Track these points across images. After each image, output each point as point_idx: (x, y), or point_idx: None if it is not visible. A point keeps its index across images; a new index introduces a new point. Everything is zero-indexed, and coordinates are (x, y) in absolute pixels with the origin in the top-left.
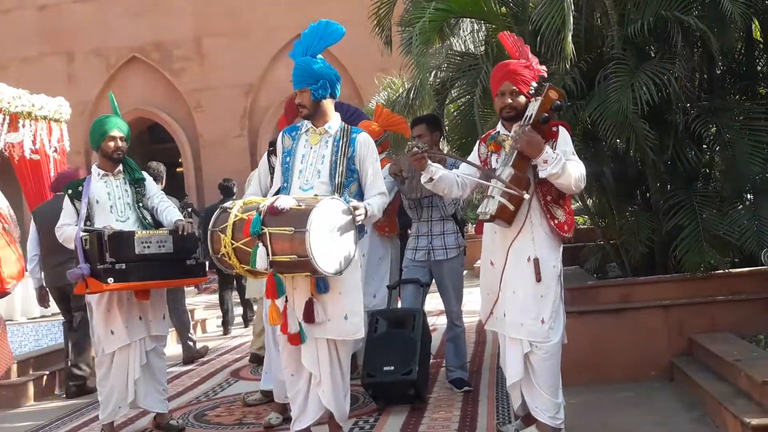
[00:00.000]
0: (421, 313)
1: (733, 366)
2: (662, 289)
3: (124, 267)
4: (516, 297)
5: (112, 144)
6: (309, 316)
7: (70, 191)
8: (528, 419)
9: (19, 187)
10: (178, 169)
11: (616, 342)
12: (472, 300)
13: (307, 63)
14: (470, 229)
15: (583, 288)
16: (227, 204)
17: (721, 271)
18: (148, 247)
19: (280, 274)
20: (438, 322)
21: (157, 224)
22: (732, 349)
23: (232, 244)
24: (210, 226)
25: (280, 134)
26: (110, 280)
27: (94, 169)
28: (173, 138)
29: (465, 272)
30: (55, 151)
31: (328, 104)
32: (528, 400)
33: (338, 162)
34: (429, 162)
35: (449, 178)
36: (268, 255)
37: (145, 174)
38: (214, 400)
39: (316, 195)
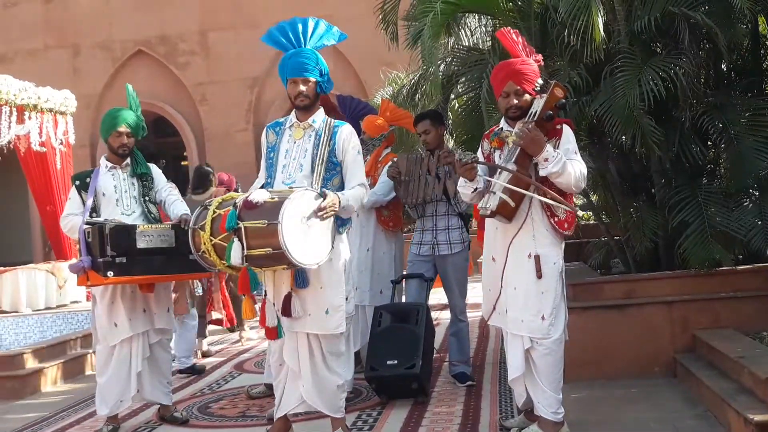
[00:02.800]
0: (424, 308)
1: (736, 363)
2: (666, 285)
3: (124, 260)
4: (517, 293)
5: (118, 140)
6: (286, 310)
7: (77, 182)
8: (531, 414)
9: (25, 179)
10: (183, 163)
11: (619, 338)
12: (476, 295)
13: (315, 54)
14: (474, 224)
15: (587, 284)
16: (207, 201)
17: (726, 267)
18: (150, 240)
19: (259, 269)
20: (441, 317)
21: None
22: (735, 345)
23: (211, 240)
24: (191, 224)
25: (265, 130)
26: (110, 273)
27: (103, 161)
28: (178, 131)
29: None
30: (61, 143)
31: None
32: (532, 396)
33: (319, 155)
34: (479, 173)
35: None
36: (243, 250)
37: (153, 166)
38: (218, 393)
39: (291, 187)
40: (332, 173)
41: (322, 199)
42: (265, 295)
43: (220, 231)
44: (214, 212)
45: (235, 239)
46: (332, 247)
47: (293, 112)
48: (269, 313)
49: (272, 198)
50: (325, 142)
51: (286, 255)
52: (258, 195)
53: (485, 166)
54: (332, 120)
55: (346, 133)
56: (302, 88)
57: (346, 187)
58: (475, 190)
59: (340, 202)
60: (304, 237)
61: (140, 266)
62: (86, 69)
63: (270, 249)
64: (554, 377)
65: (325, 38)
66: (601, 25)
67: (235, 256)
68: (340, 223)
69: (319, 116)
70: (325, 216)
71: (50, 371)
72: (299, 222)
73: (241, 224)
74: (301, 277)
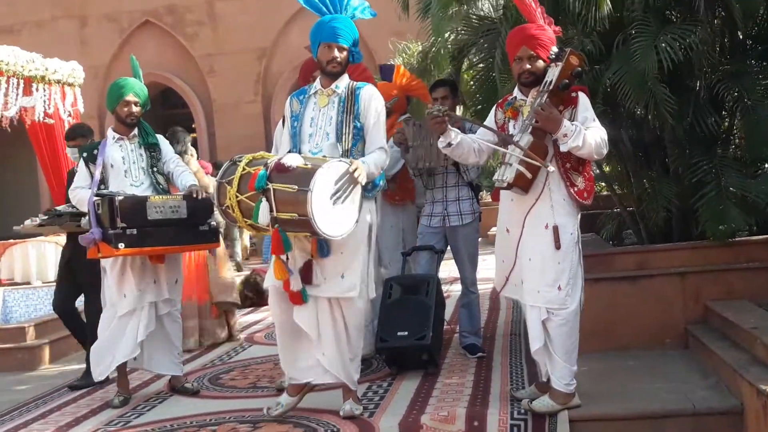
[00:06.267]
0: (435, 280)
1: (749, 334)
2: (678, 256)
3: (135, 232)
4: (533, 264)
5: (125, 109)
6: (307, 277)
7: (85, 154)
8: (542, 385)
9: (33, 151)
10: (191, 135)
11: (631, 309)
12: (487, 267)
13: (352, 23)
14: (485, 195)
15: (599, 255)
16: (237, 156)
17: (739, 238)
18: (161, 212)
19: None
20: (452, 289)
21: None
22: (748, 316)
23: (237, 196)
24: (218, 177)
25: (288, 99)
26: (121, 245)
27: (110, 132)
28: (186, 103)
29: (480, 239)
30: (69, 115)
31: None
32: (548, 367)
33: (345, 122)
34: (449, 126)
35: (467, 143)
36: (271, 211)
37: (160, 138)
38: (229, 364)
39: (325, 156)
40: (357, 139)
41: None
42: (287, 259)
43: (248, 189)
44: (244, 169)
45: (263, 199)
46: (358, 219)
47: (318, 80)
48: (293, 277)
49: (305, 164)
50: (349, 108)
51: (312, 224)
52: (291, 159)
53: (492, 131)
54: (354, 82)
55: (368, 93)
56: (336, 54)
57: (366, 150)
58: (449, 145)
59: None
60: (331, 208)
61: (151, 238)
62: (93, 40)
63: (296, 215)
64: (568, 348)
65: (359, 11)
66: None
67: (263, 215)
68: (371, 187)
69: (343, 82)
70: (354, 181)
71: (60, 343)
72: (329, 192)
73: (270, 185)
74: (324, 247)
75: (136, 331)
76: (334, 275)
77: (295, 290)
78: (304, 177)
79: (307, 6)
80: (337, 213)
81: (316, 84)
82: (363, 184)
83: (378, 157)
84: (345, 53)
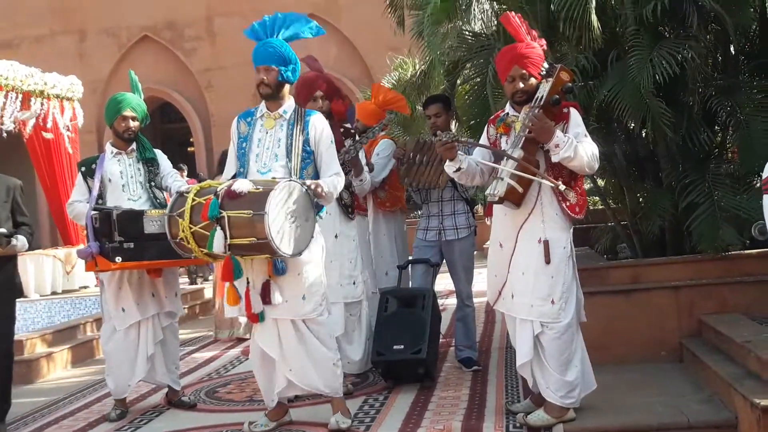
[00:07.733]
0: (431, 293)
1: (742, 347)
2: (672, 270)
3: (132, 246)
4: (525, 279)
5: (123, 124)
6: (266, 297)
7: (83, 168)
8: (539, 399)
9: (32, 164)
10: (189, 149)
11: (625, 323)
12: (483, 280)
13: (281, 44)
14: (480, 210)
15: (594, 269)
16: (183, 189)
17: (733, 252)
18: (158, 226)
19: (239, 257)
20: (447, 303)
21: None
22: (742, 330)
23: (190, 228)
24: (167, 211)
25: (235, 120)
26: (118, 258)
27: (108, 146)
28: (185, 118)
29: (475, 253)
30: (68, 129)
31: (287, 88)
32: (539, 380)
33: (294, 145)
34: (459, 152)
35: (473, 167)
36: (225, 238)
37: (158, 152)
38: (226, 378)
39: (273, 178)
40: (307, 162)
41: (305, 189)
42: (248, 282)
43: (201, 219)
44: (194, 200)
45: (218, 228)
46: (313, 236)
47: (263, 102)
48: (254, 299)
49: (256, 188)
50: (298, 132)
51: (271, 245)
52: (241, 185)
53: (488, 150)
54: (303, 109)
55: (319, 122)
56: (263, 76)
57: (321, 176)
58: (459, 169)
59: (324, 188)
60: (288, 227)
61: (148, 251)
62: (92, 55)
63: (254, 239)
64: (562, 360)
65: (301, 31)
66: (596, 21)
67: (218, 244)
68: (318, 210)
69: (290, 106)
70: (317, 193)
71: (58, 356)
72: (284, 213)
73: (224, 213)
74: (280, 265)
75: (146, 348)
76: (295, 296)
77: (257, 312)
78: (257, 201)
79: (250, 37)
80: (294, 232)
81: (262, 107)
82: (322, 196)
83: (335, 180)
84: (273, 74)
